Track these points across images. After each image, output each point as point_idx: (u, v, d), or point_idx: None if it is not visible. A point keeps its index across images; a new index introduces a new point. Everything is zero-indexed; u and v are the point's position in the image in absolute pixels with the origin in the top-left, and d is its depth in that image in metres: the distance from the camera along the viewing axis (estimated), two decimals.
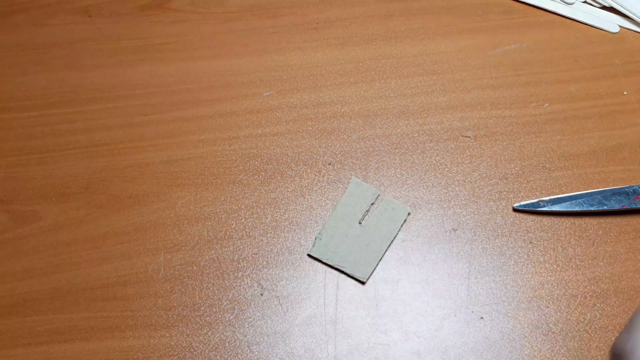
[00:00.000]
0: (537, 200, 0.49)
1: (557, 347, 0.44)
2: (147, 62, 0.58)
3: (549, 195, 0.49)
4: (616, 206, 0.47)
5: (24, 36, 0.60)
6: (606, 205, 0.47)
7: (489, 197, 0.50)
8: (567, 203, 0.48)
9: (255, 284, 0.47)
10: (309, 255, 0.48)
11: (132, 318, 0.46)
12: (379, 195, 0.50)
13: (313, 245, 0.48)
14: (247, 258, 0.48)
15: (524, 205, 0.48)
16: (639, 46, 0.57)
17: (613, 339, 0.44)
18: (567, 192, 0.49)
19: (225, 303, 0.46)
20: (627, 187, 0.48)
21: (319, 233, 0.48)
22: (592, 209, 0.47)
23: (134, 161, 0.52)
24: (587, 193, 0.48)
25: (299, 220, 0.49)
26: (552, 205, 0.48)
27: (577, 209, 0.47)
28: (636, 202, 0.47)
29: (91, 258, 0.48)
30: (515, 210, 0.49)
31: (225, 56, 0.58)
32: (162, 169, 0.52)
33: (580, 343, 0.44)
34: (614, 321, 0.45)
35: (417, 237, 0.48)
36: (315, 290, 0.47)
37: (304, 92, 0.56)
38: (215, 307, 0.46)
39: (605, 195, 0.48)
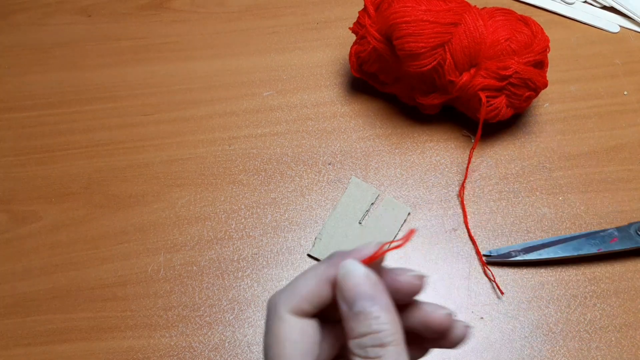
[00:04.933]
0: (508, 251, 0.47)
1: (557, 347, 0.44)
2: (147, 62, 0.58)
3: (549, 196, 0.49)
4: (593, 250, 0.46)
5: (24, 36, 0.60)
6: (581, 250, 0.46)
7: (489, 197, 0.50)
8: (539, 252, 0.46)
9: (255, 284, 0.47)
10: (309, 255, 0.48)
11: (132, 318, 0.46)
12: (379, 195, 0.50)
13: (313, 245, 0.48)
14: (247, 258, 0.48)
15: (495, 256, 0.46)
16: (639, 46, 0.57)
17: (613, 339, 0.44)
18: (567, 192, 0.49)
19: (225, 303, 0.46)
20: (601, 231, 0.47)
21: (319, 233, 0.48)
22: (567, 255, 0.46)
23: (134, 161, 0.52)
24: (561, 238, 0.46)
25: (299, 220, 0.49)
26: (524, 254, 0.46)
27: (552, 256, 0.46)
28: (612, 245, 0.46)
29: (91, 258, 0.48)
30: (486, 258, 0.47)
31: (225, 56, 0.58)
32: (162, 169, 0.52)
33: (580, 343, 0.44)
34: (614, 321, 0.45)
35: (417, 237, 0.48)
36: None
37: (304, 92, 0.55)
38: (215, 307, 0.46)
39: (580, 241, 0.46)
